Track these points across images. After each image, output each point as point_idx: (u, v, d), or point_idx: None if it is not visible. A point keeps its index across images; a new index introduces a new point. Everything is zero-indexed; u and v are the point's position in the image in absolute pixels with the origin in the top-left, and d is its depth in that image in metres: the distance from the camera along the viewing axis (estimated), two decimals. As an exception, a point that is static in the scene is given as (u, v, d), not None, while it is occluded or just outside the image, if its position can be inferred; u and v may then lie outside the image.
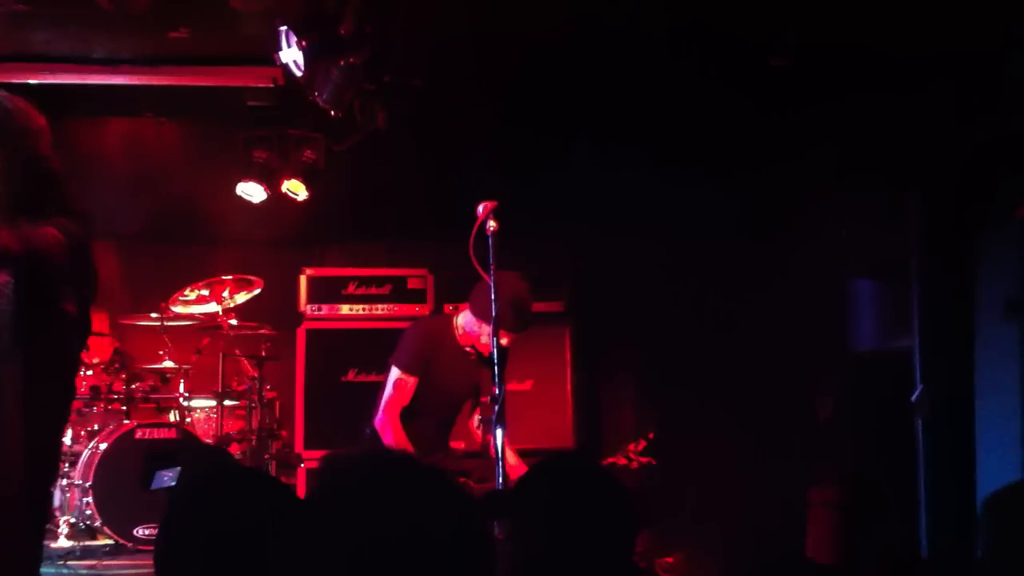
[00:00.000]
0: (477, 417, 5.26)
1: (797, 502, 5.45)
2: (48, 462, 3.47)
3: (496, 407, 4.20)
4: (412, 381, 5.00)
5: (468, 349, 5.05)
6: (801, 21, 4.94)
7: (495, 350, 4.32)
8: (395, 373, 5.03)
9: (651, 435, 5.13)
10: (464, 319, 5.07)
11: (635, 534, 2.50)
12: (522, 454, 5.50)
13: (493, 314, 4.36)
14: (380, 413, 4.98)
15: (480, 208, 4.43)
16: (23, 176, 3.15)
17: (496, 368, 4.26)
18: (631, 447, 5.14)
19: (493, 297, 4.37)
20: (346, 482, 1.72)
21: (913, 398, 4.77)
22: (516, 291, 4.56)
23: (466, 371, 5.08)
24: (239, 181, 7.07)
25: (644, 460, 5.10)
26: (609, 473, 2.53)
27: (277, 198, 7.10)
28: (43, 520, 3.65)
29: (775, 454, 5.65)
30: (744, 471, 5.95)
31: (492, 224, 4.39)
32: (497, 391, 4.21)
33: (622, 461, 5.15)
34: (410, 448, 4.88)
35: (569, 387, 6.71)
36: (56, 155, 3.25)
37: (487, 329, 4.89)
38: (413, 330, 5.21)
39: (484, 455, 5.10)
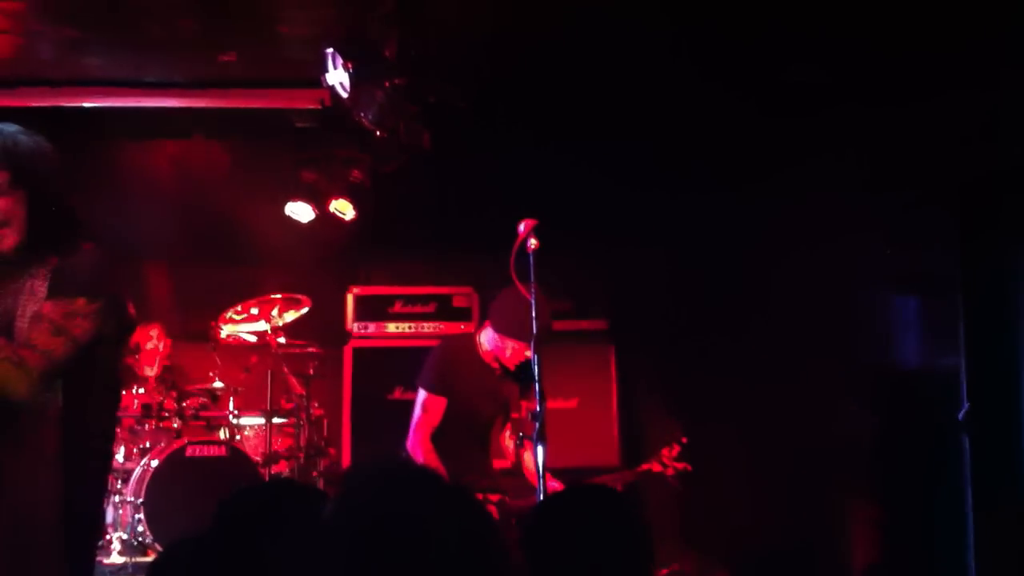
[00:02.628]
0: (508, 433, 5.27)
1: (840, 521, 5.40)
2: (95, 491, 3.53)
3: (537, 424, 4.20)
4: (440, 401, 5.02)
5: (494, 365, 5.05)
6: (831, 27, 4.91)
7: (535, 366, 4.32)
8: (422, 394, 5.05)
9: (684, 439, 5.07)
10: (486, 335, 5.08)
11: (651, 564, 2.50)
12: (567, 473, 5.50)
13: (533, 330, 4.38)
14: (411, 435, 5.00)
15: (521, 226, 4.45)
16: (48, 217, 3.24)
17: (537, 384, 4.26)
18: (664, 452, 5.08)
19: (534, 314, 4.38)
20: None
21: (960, 416, 4.71)
22: (529, 303, 4.55)
23: (494, 387, 5.08)
24: (287, 202, 7.16)
25: (680, 466, 5.04)
26: (630, 504, 2.52)
27: (324, 218, 7.18)
28: (95, 538, 3.70)
29: (818, 473, 5.59)
30: (787, 489, 5.90)
31: (533, 242, 4.41)
32: (538, 407, 4.21)
33: (657, 467, 5.10)
34: (442, 469, 4.90)
35: (615, 405, 6.72)
36: (71, 189, 3.32)
37: (510, 343, 4.91)
38: (436, 350, 5.22)
39: (519, 472, 5.10)
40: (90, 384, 3.42)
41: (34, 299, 3.22)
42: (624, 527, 2.50)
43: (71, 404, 3.28)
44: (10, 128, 3.21)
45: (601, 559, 2.43)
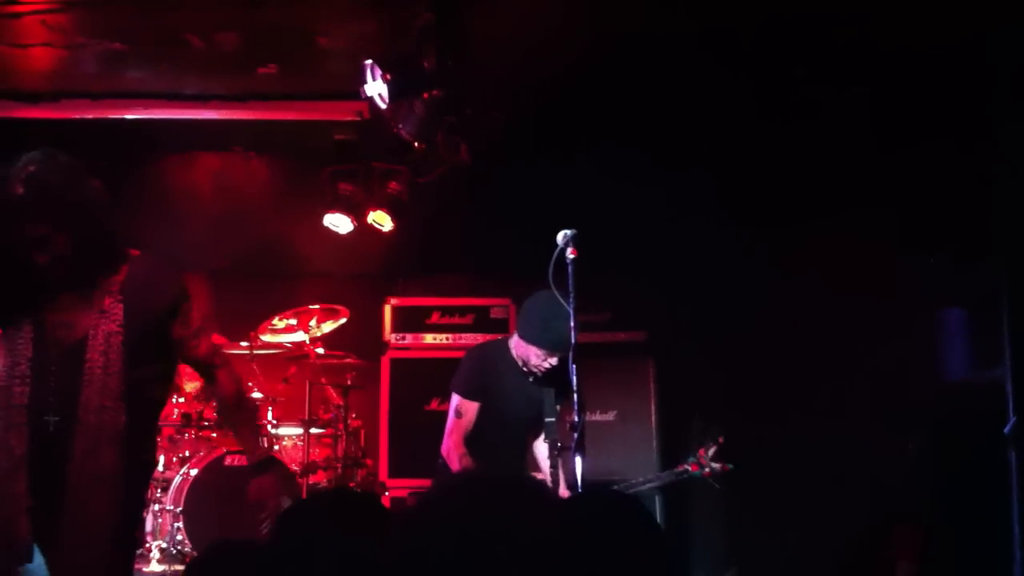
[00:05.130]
0: (541, 439, 5.22)
1: (884, 536, 5.32)
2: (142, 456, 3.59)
3: (575, 435, 4.18)
4: (473, 406, 5.00)
5: (525, 370, 5.04)
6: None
7: (574, 376, 4.29)
8: (455, 399, 5.04)
9: (721, 439, 4.99)
10: (514, 341, 5.07)
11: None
12: (606, 485, 5.47)
13: (559, 337, 4.37)
14: (445, 440, 4.99)
15: (560, 237, 4.44)
16: (95, 242, 3.29)
17: (576, 395, 4.23)
18: (701, 452, 5.01)
19: (572, 324, 4.36)
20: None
21: (1007, 430, 4.64)
22: (547, 309, 4.53)
23: (528, 392, 5.05)
24: (325, 213, 7.19)
25: (718, 466, 4.96)
26: (643, 510, 2.49)
27: (361, 231, 7.20)
28: (134, 547, 3.76)
29: (861, 486, 5.52)
30: (828, 504, 5.84)
31: (572, 253, 4.40)
32: (576, 418, 4.19)
33: (694, 468, 5.02)
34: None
35: (653, 418, 6.66)
36: (110, 202, 3.37)
37: (532, 350, 4.90)
38: (470, 354, 5.20)
39: (555, 479, 5.06)
40: (152, 398, 3.51)
41: (107, 318, 3.29)
42: (639, 534, 2.47)
43: (133, 422, 3.35)
44: (41, 168, 3.22)
45: (615, 565, 2.40)
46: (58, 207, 3.19)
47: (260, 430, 3.67)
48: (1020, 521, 4.54)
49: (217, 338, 3.70)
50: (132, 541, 3.57)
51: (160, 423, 6.24)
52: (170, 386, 3.73)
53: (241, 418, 3.68)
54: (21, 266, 3.24)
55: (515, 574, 2.05)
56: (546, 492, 1.88)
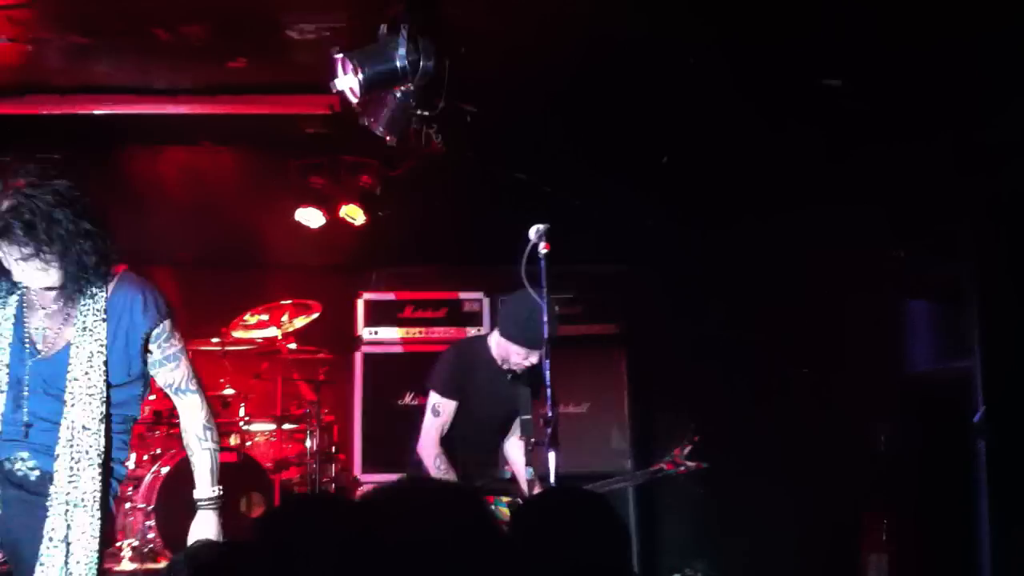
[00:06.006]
0: (515, 437, 5.23)
1: (854, 527, 5.37)
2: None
3: (549, 430, 4.18)
4: (450, 404, 5.00)
5: (503, 368, 5.03)
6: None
7: (547, 372, 4.30)
8: (433, 397, 5.04)
9: (696, 438, 5.03)
10: (494, 339, 5.07)
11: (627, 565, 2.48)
12: (577, 479, 5.47)
13: (539, 335, 4.37)
14: (421, 438, 4.99)
15: (532, 232, 4.44)
16: (79, 256, 3.26)
17: (549, 390, 4.24)
18: (676, 451, 5.05)
19: (545, 319, 4.38)
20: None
21: (975, 419, 4.68)
22: (528, 308, 4.52)
23: (505, 390, 5.06)
24: (295, 208, 7.16)
25: (693, 464, 5.00)
26: (606, 507, 2.50)
27: (332, 224, 7.17)
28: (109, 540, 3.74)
29: (829, 477, 5.56)
30: (797, 494, 5.87)
31: (544, 247, 4.40)
32: (550, 413, 4.19)
33: (669, 467, 5.06)
34: (451, 471, 4.88)
35: (626, 410, 6.68)
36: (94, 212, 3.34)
37: (514, 348, 4.90)
38: (447, 352, 5.20)
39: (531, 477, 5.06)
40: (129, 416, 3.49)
41: (90, 336, 3.26)
42: (602, 530, 2.48)
43: (111, 441, 3.33)
44: (23, 193, 3.18)
45: (578, 561, 2.41)
46: (31, 225, 3.15)
47: (216, 471, 3.60)
48: (988, 509, 4.58)
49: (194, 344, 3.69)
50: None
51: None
52: (143, 403, 3.70)
53: (205, 448, 3.61)
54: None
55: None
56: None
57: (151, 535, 6.29)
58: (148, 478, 6.42)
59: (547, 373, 4.26)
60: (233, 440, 6.78)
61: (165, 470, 6.30)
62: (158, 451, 6.56)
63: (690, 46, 5.20)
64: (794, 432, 5.90)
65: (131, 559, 6.34)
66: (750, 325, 6.46)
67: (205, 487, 3.58)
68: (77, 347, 3.30)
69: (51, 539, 3.22)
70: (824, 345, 5.68)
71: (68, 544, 3.23)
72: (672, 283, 6.88)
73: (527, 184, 6.73)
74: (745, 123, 5.64)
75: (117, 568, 6.17)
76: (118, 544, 6.27)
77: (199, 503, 3.60)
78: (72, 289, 3.30)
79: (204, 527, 3.59)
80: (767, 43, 5.05)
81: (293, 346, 6.79)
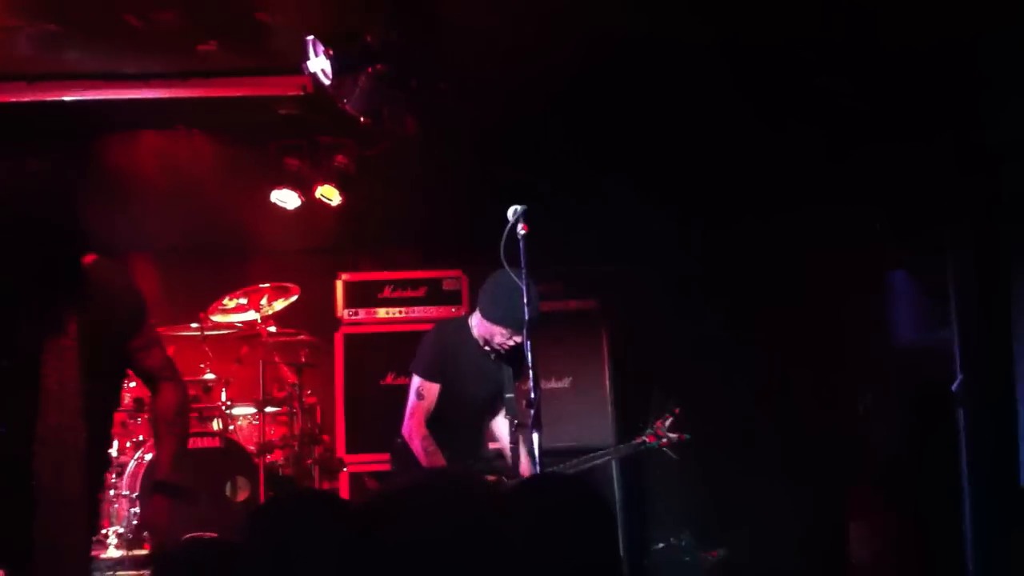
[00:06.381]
0: (501, 416, 5.25)
1: (838, 496, 5.42)
2: (100, 465, 3.56)
3: (532, 411, 4.20)
4: (434, 387, 5.00)
5: (485, 348, 5.05)
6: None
7: (529, 353, 4.32)
8: (416, 380, 5.04)
9: (677, 410, 5.07)
10: (475, 320, 5.07)
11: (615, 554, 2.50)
12: (561, 453, 5.52)
13: (521, 316, 4.38)
14: (406, 422, 4.99)
15: (511, 212, 4.44)
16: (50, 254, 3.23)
17: (532, 372, 4.25)
18: (658, 424, 5.09)
19: (525, 300, 4.39)
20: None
21: (954, 388, 4.73)
22: (510, 288, 4.52)
23: (487, 370, 5.07)
24: (272, 190, 7.12)
25: (675, 436, 5.04)
26: (593, 494, 2.51)
27: (309, 206, 7.15)
28: (94, 529, 3.72)
29: (814, 447, 5.61)
30: (782, 467, 5.93)
31: (522, 228, 4.40)
32: (533, 395, 4.21)
33: (651, 439, 5.10)
34: (439, 453, 4.90)
35: (607, 384, 6.72)
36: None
37: (497, 329, 4.91)
38: (429, 335, 5.19)
39: (512, 457, 5.09)
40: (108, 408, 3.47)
41: (60, 331, 3.23)
42: (589, 515, 2.50)
43: (92, 436, 3.30)
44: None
45: (566, 547, 2.43)
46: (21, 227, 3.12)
47: (182, 450, 3.57)
48: (969, 477, 4.64)
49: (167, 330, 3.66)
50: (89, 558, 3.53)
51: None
52: (121, 393, 3.67)
53: (171, 432, 3.54)
54: None
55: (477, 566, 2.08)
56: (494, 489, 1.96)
57: (136, 522, 6.29)
58: (132, 465, 6.41)
59: (529, 355, 4.27)
60: (216, 425, 6.78)
61: (149, 457, 6.29)
62: (141, 438, 6.55)
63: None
64: (776, 404, 5.95)
65: (117, 546, 6.34)
66: (728, 298, 6.49)
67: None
68: (48, 343, 3.25)
69: None
70: (807, 316, 5.71)
71: None
72: (649, 259, 6.91)
73: (504, 161, 6.71)
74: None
75: (104, 555, 6.18)
76: (104, 531, 6.28)
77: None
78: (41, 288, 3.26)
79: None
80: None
81: (273, 329, 6.77)
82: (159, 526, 3.49)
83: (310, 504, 2.30)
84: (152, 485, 3.59)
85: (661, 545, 7.14)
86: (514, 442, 5.02)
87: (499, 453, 5.54)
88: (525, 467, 4.77)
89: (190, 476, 6.09)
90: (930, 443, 4.92)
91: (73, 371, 3.25)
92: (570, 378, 6.76)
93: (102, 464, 3.55)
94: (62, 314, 3.27)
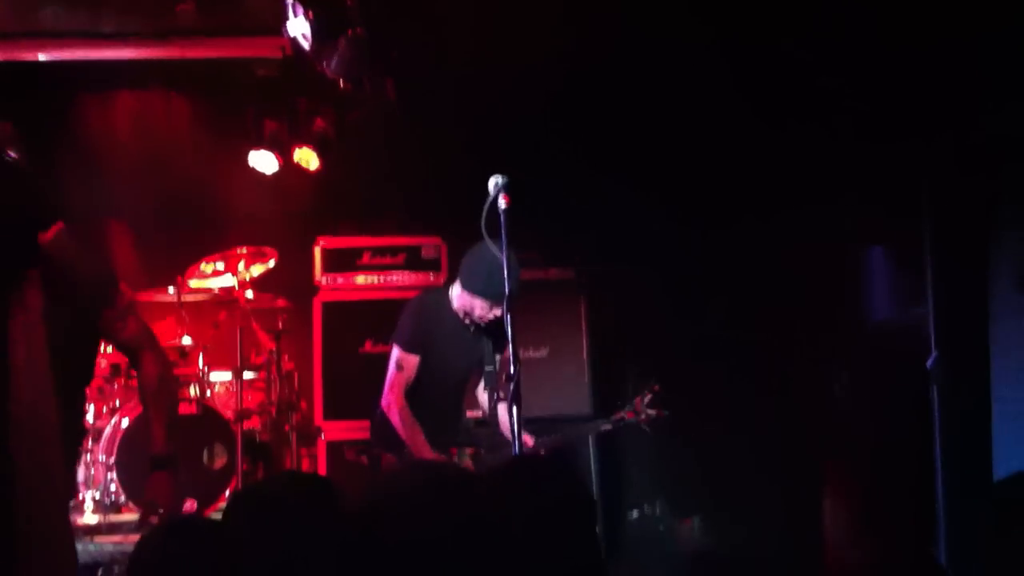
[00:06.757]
0: (482, 386, 5.26)
1: (813, 473, 5.47)
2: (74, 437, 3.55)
3: (512, 385, 4.19)
4: (413, 359, 4.99)
5: (466, 320, 5.04)
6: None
7: (509, 327, 4.29)
8: (396, 352, 5.03)
9: (656, 387, 5.09)
10: (455, 291, 5.06)
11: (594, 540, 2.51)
12: (539, 421, 5.52)
13: (501, 288, 4.32)
14: (385, 393, 4.98)
15: (491, 184, 4.39)
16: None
17: (511, 346, 4.24)
18: (638, 400, 5.11)
19: (505, 274, 4.36)
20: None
21: (928, 364, 4.76)
22: (491, 260, 4.48)
23: (467, 342, 5.06)
24: (250, 152, 7.05)
25: (653, 412, 5.07)
26: (571, 476, 2.53)
27: (287, 170, 7.08)
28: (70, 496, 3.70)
29: (789, 425, 5.65)
30: (757, 442, 5.97)
31: (504, 200, 4.36)
32: (512, 370, 4.20)
33: (631, 415, 5.13)
34: (416, 425, 4.91)
35: (585, 354, 6.73)
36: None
37: (477, 301, 4.89)
38: (409, 306, 5.17)
39: (494, 424, 5.12)
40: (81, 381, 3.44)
41: (24, 308, 3.18)
42: (568, 495, 2.51)
43: (66, 411, 3.28)
44: None
45: (544, 528, 2.44)
46: None
47: (173, 421, 3.56)
48: (942, 453, 4.69)
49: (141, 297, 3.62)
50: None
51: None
52: (95, 363, 3.65)
53: (158, 404, 3.56)
54: None
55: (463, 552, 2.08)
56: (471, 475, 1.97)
57: (113, 487, 6.28)
58: (108, 430, 6.39)
59: (509, 330, 4.25)
60: (192, 391, 6.74)
61: (125, 422, 6.27)
62: (117, 403, 6.51)
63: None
64: (754, 376, 5.98)
65: (94, 511, 6.34)
66: (705, 271, 6.51)
67: None
68: (13, 320, 3.21)
69: None
70: (783, 291, 5.74)
71: None
72: (627, 228, 6.91)
73: (483, 127, 6.67)
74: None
75: (81, 520, 6.17)
76: (81, 497, 6.26)
77: None
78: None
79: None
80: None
81: (251, 295, 6.74)
82: (166, 501, 3.48)
83: (311, 504, 2.28)
84: (151, 461, 3.58)
85: (636, 514, 7.21)
86: (493, 414, 5.04)
87: (478, 422, 5.57)
88: (506, 431, 4.78)
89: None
90: (904, 420, 4.96)
91: (41, 348, 3.22)
92: (547, 348, 6.76)
93: (76, 436, 3.54)
94: (26, 291, 3.23)
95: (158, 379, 3.56)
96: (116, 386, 6.49)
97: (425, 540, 1.88)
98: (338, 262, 6.90)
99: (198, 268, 6.69)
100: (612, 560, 6.23)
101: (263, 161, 7.12)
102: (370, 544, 1.87)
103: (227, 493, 6.37)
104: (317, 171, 7.13)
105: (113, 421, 6.39)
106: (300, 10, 5.83)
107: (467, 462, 5.09)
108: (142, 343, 3.52)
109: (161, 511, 3.49)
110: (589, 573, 2.44)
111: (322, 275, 6.87)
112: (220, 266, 6.70)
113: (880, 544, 4.85)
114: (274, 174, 7.10)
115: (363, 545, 1.89)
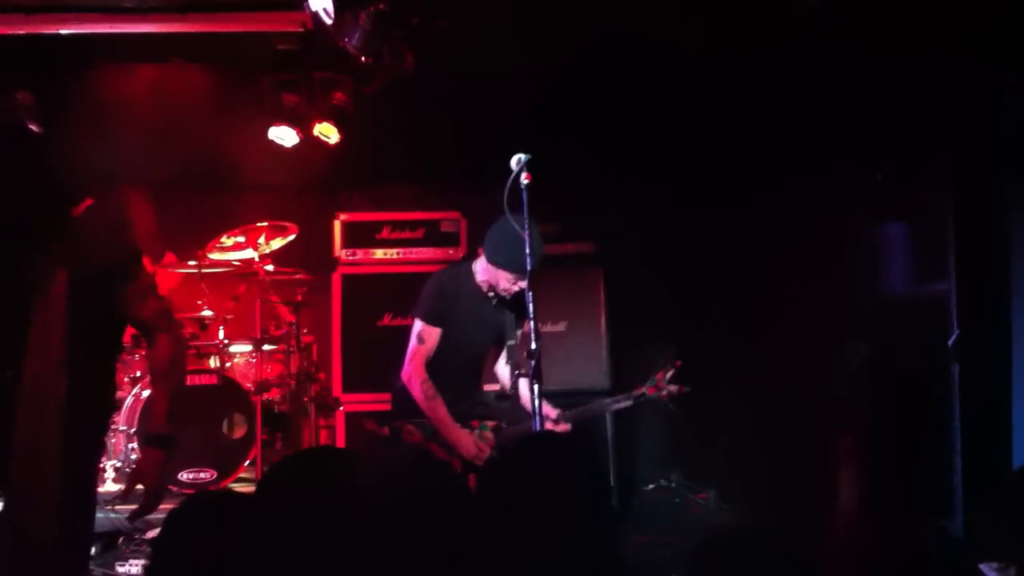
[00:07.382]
0: (503, 360, 5.29)
1: (828, 447, 5.48)
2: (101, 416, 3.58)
3: (532, 362, 4.21)
4: (435, 331, 5.02)
5: (488, 294, 5.07)
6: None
7: (530, 303, 4.31)
8: (417, 325, 5.06)
9: (678, 363, 5.10)
10: (480, 264, 5.08)
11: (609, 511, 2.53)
12: (557, 395, 5.54)
13: (526, 263, 4.35)
14: (406, 365, 5.01)
15: (514, 161, 4.40)
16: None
17: (532, 322, 4.25)
18: (659, 376, 5.12)
19: (528, 250, 4.37)
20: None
21: (950, 342, 4.76)
22: (515, 233, 4.49)
23: (489, 316, 5.09)
24: (268, 127, 7.07)
25: (675, 388, 5.08)
26: (588, 456, 2.54)
27: (306, 143, 7.10)
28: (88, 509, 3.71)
29: (808, 398, 5.66)
30: (773, 415, 5.98)
31: (526, 178, 4.37)
32: (533, 346, 4.22)
33: (652, 391, 5.14)
34: (438, 397, 4.94)
35: (603, 328, 6.74)
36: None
37: (503, 274, 4.91)
38: (432, 280, 5.19)
39: (514, 398, 5.16)
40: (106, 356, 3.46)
41: (49, 282, 3.21)
42: (584, 480, 2.52)
43: (79, 385, 3.30)
44: None
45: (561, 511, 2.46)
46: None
47: (177, 402, 3.56)
48: (961, 431, 4.69)
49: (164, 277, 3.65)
50: (85, 504, 3.54)
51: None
52: (122, 337, 3.66)
53: (166, 385, 3.54)
54: None
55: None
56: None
57: (134, 456, 6.35)
58: (129, 400, 6.46)
59: (531, 306, 4.27)
60: (212, 362, 6.81)
61: (146, 393, 6.34)
62: (138, 374, 6.58)
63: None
64: (772, 351, 5.98)
65: (115, 480, 6.43)
66: (724, 245, 6.50)
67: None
68: (38, 292, 3.27)
69: None
70: (802, 266, 5.73)
71: None
72: (646, 202, 6.92)
73: (502, 102, 6.66)
74: (765, 98, 5.66)
75: (102, 490, 6.23)
76: (101, 465, 6.34)
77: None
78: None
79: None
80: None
81: (270, 267, 6.78)
82: (150, 479, 3.48)
83: (311, 504, 2.30)
84: (145, 438, 3.60)
85: (651, 486, 7.25)
86: (514, 387, 5.08)
87: (498, 395, 5.61)
88: (549, 411, 4.80)
89: (185, 412, 6.20)
90: (921, 395, 4.97)
91: (59, 322, 3.24)
92: (566, 322, 6.78)
93: (103, 410, 3.56)
94: (51, 265, 3.26)
95: (169, 362, 3.54)
96: (137, 357, 6.55)
97: (424, 540, 1.90)
98: (358, 236, 6.93)
99: (219, 241, 6.73)
100: (627, 531, 6.26)
101: (284, 135, 7.14)
102: (369, 543, 1.89)
103: (246, 463, 6.44)
104: (336, 144, 7.14)
105: (134, 391, 6.46)
106: (322, -17, 5.80)
107: (488, 435, 5.13)
108: (159, 324, 3.51)
109: (141, 487, 3.48)
110: (602, 551, 2.46)
111: (342, 249, 6.90)
112: (241, 239, 6.74)
113: (891, 519, 4.87)
114: (294, 147, 7.11)
115: (363, 543, 1.90)
